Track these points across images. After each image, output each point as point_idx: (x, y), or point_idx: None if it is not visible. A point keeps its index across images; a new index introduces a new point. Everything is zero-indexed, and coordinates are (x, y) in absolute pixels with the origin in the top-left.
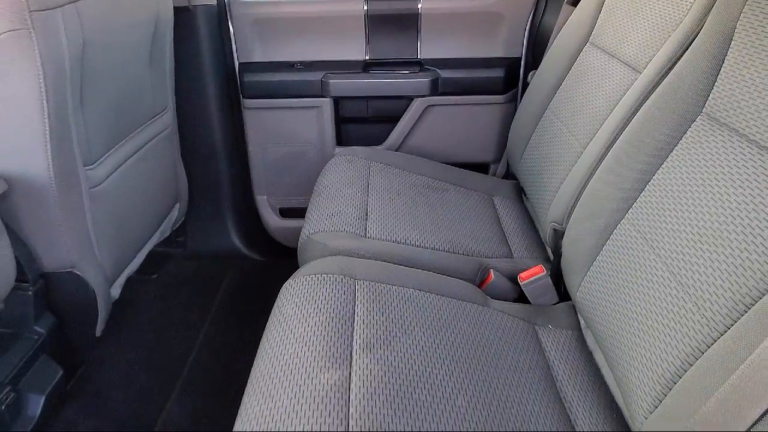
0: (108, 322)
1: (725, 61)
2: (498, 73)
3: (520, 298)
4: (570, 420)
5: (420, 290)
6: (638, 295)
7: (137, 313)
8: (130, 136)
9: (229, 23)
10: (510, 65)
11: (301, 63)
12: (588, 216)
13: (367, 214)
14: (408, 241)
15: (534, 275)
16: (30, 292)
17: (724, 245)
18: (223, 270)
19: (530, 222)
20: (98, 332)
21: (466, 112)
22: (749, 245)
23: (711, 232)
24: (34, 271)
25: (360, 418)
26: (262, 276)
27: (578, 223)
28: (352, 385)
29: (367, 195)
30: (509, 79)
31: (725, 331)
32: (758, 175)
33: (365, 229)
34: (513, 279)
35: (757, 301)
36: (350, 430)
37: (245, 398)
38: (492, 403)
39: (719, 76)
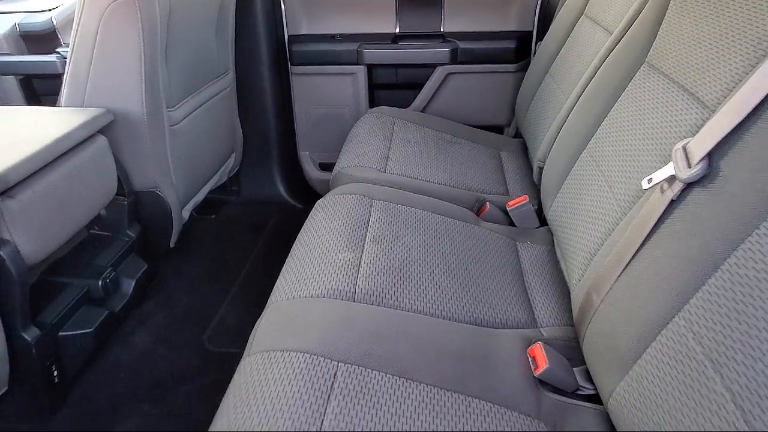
0: (177, 245)
1: (665, 18)
2: (510, 44)
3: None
4: (529, 302)
5: (424, 210)
6: (583, 199)
7: (199, 242)
8: (199, 90)
9: (281, 0)
10: (521, 38)
11: (341, 35)
12: (560, 151)
13: (388, 156)
14: (419, 177)
15: (519, 202)
16: (125, 203)
17: (639, 150)
18: (269, 214)
19: (530, 171)
20: (172, 243)
21: (482, 79)
22: (653, 147)
23: (634, 145)
24: (128, 187)
25: (364, 284)
26: (302, 220)
27: (553, 158)
28: (362, 263)
29: (390, 143)
30: (520, 50)
31: (629, 208)
32: (670, 105)
33: (385, 166)
34: (506, 212)
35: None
36: (357, 291)
37: (283, 270)
38: (471, 286)
39: (659, 31)
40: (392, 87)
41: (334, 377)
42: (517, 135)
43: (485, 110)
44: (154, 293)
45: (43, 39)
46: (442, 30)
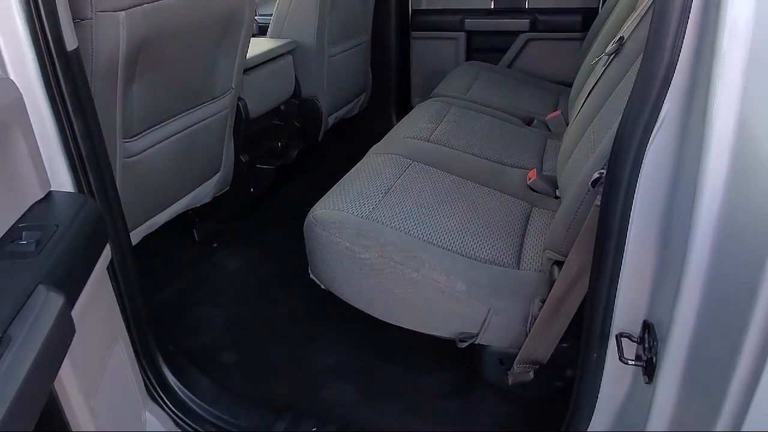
0: (322, 150)
1: None
2: (577, 17)
3: None
4: (542, 157)
5: (485, 115)
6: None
7: (336, 152)
8: (348, 38)
9: None
10: (586, 12)
11: (450, 10)
12: (582, 73)
13: (470, 87)
14: (489, 100)
15: (554, 114)
16: (296, 103)
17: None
18: None
19: None
20: (319, 138)
21: (554, 44)
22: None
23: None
24: (298, 93)
25: (437, 135)
26: None
27: (578, 82)
28: (437, 129)
29: (474, 81)
30: (586, 22)
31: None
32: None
33: (466, 93)
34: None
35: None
36: (431, 137)
37: (391, 130)
38: (505, 150)
39: None
40: (485, 50)
41: (408, 167)
42: None
43: (556, 69)
44: (307, 170)
45: None
46: (526, 6)
